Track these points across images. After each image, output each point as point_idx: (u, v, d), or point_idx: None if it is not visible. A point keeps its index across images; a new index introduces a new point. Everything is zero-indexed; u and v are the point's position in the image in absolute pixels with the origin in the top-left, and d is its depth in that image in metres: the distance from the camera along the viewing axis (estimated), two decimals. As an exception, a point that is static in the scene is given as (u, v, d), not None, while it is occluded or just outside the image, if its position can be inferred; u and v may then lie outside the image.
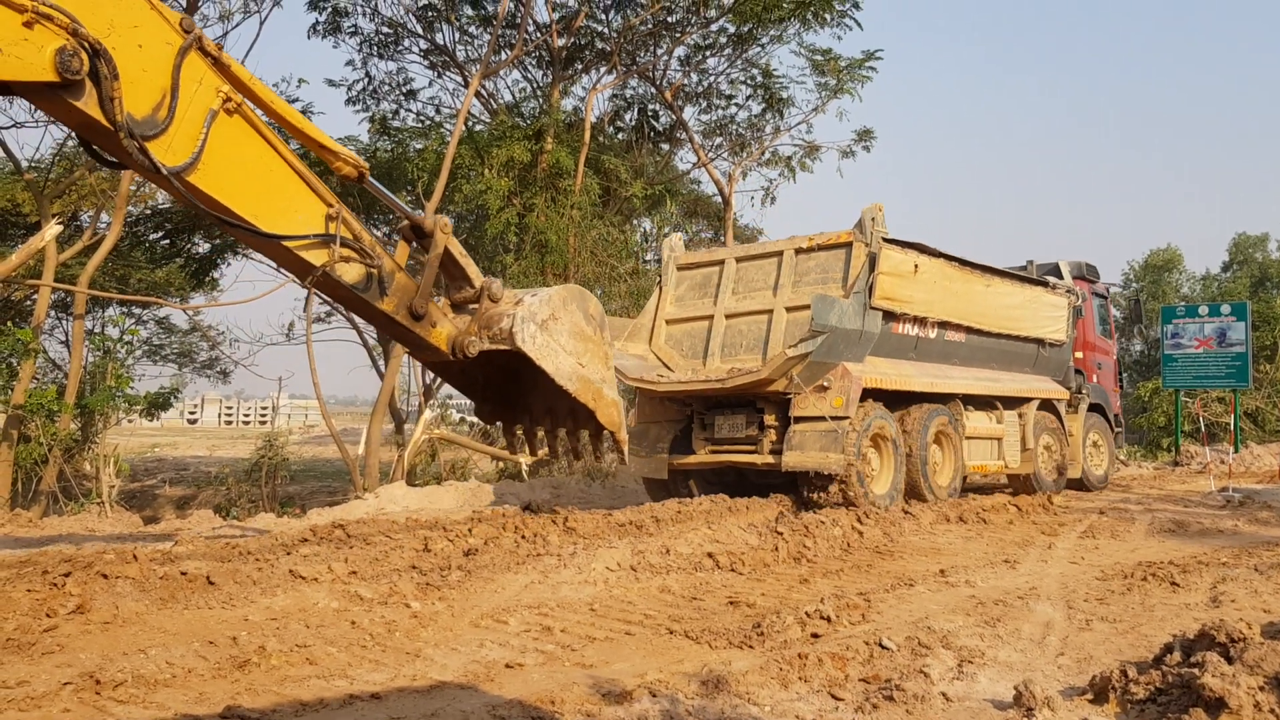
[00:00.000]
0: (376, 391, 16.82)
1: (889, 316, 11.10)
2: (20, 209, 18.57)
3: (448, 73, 20.81)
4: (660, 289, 12.59)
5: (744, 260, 12.10)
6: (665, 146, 23.57)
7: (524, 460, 15.69)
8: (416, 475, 15.32)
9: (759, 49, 20.72)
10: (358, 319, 24.04)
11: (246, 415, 66.07)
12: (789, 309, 11.22)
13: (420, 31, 20.05)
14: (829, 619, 5.53)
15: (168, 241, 21.68)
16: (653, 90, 21.52)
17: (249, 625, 5.47)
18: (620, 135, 22.31)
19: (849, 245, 11.07)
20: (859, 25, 19.99)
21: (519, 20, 19.03)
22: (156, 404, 15.00)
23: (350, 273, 5.03)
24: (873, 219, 10.97)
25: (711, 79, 21.62)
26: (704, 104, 22.15)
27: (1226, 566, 7.44)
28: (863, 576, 7.41)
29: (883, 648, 4.87)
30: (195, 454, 32.42)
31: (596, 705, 4.02)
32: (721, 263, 12.22)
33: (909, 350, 11.67)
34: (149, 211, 20.90)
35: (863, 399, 10.64)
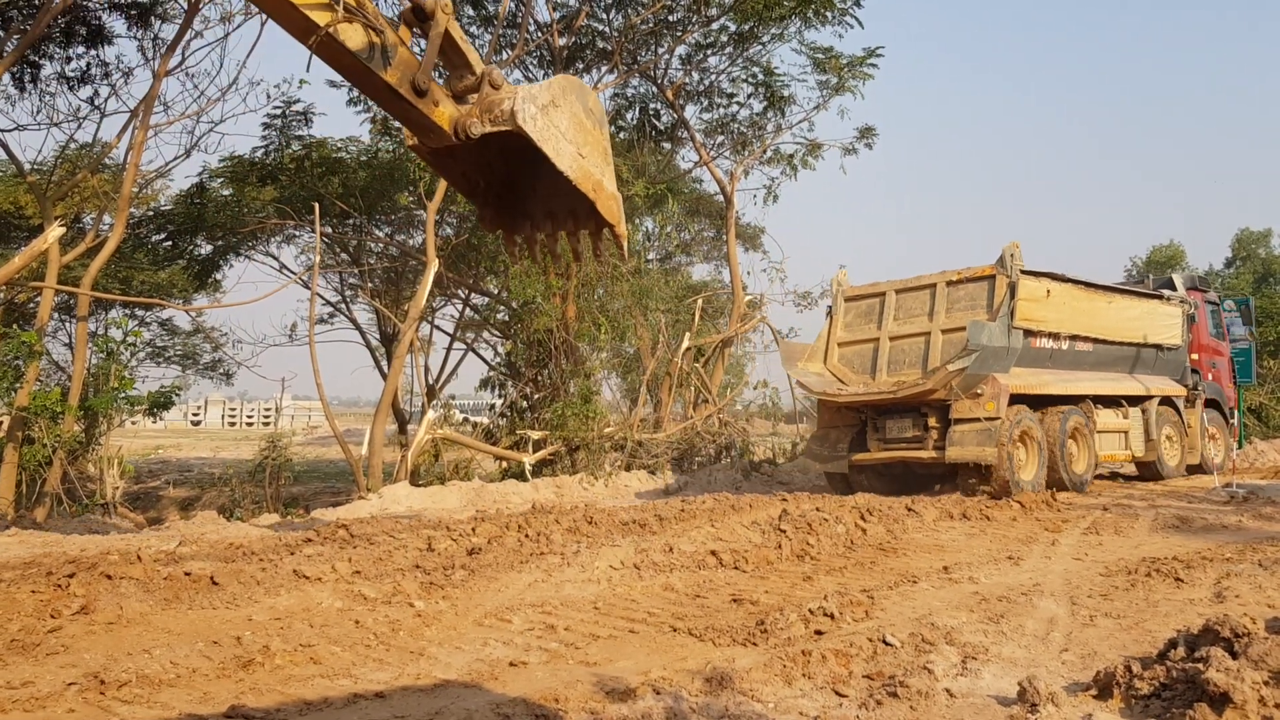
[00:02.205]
0: (379, 392, 16.84)
1: (1028, 334, 13.21)
2: (23, 211, 18.61)
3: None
4: (831, 317, 14.97)
5: (902, 291, 14.34)
6: (667, 145, 23.56)
7: (527, 460, 15.74)
8: (420, 475, 15.33)
9: (760, 47, 20.71)
10: (360, 320, 24.08)
11: (250, 416, 66.12)
12: (944, 331, 13.49)
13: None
14: (832, 616, 5.52)
15: (170, 243, 21.70)
16: (654, 89, 21.52)
17: (253, 625, 5.48)
18: (622, 134, 22.29)
19: (993, 277, 13.31)
20: (860, 23, 19.99)
21: (520, 20, 19.05)
22: (159, 404, 15.01)
23: (353, 37, 4.86)
24: (1011, 255, 13.15)
25: (713, 77, 21.63)
26: (705, 102, 22.15)
27: (1230, 562, 7.43)
28: (866, 573, 7.40)
29: (886, 644, 4.86)
30: (199, 455, 32.46)
31: (600, 703, 4.02)
32: (883, 294, 14.48)
33: (1046, 360, 13.75)
34: (151, 213, 20.94)
35: (1010, 403, 12.73)
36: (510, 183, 6.29)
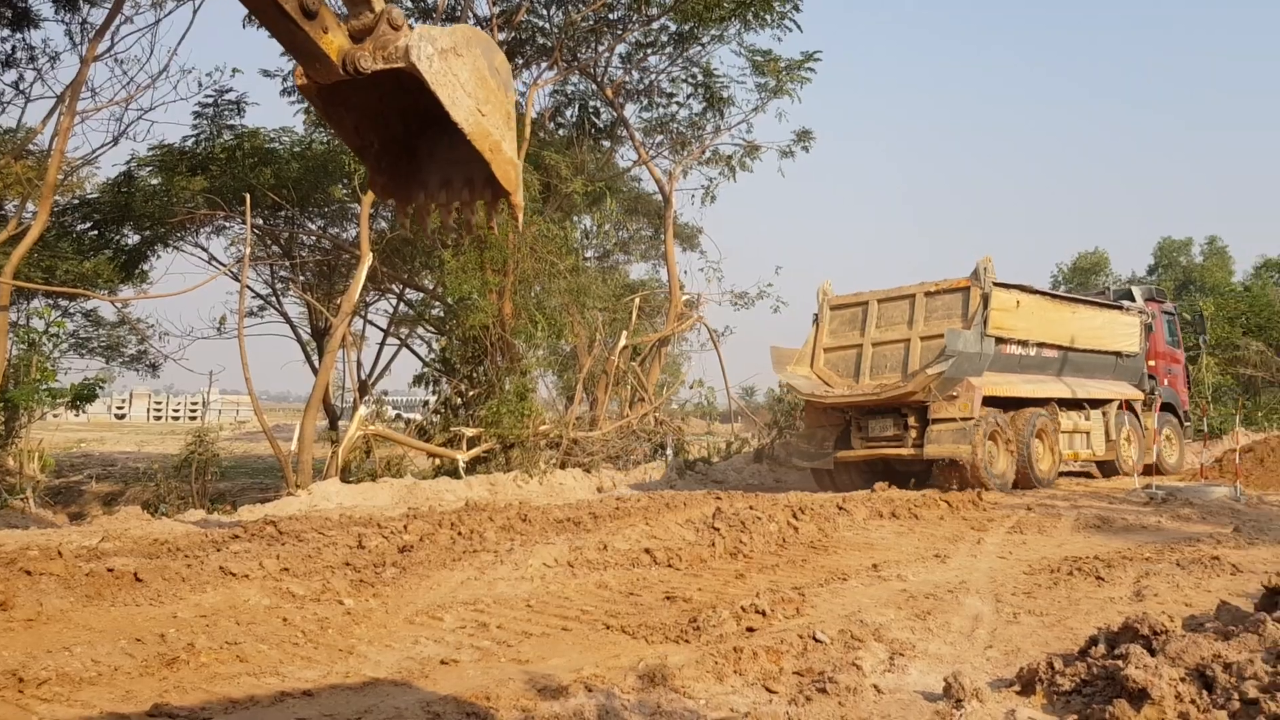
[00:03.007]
0: (310, 387, 16.60)
1: (999, 341, 14.36)
2: (-59, 197, 18.00)
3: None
4: (817, 324, 16.00)
5: (884, 300, 15.39)
6: (606, 144, 23.54)
7: (461, 457, 15.63)
8: (351, 472, 15.12)
9: (700, 48, 20.79)
10: (290, 313, 23.72)
11: (176, 411, 64.64)
12: (923, 338, 14.55)
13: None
14: (764, 613, 5.57)
15: (96, 232, 21.16)
16: (594, 87, 21.49)
17: (178, 622, 5.37)
18: (561, 131, 22.23)
19: (967, 289, 14.42)
20: (799, 27, 20.16)
21: (459, 14, 18.89)
22: (82, 396, 14.64)
23: None
24: (985, 269, 14.25)
25: (653, 77, 21.66)
26: (645, 102, 22.18)
27: (1150, 562, 7.63)
28: (798, 571, 7.47)
29: (816, 641, 4.92)
30: (123, 450, 31.69)
31: (532, 701, 4.01)
32: (866, 303, 15.52)
33: (1016, 366, 14.87)
34: (77, 202, 20.40)
35: (983, 405, 13.89)
36: (408, 148, 6.05)
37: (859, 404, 14.81)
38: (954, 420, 13.72)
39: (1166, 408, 18.04)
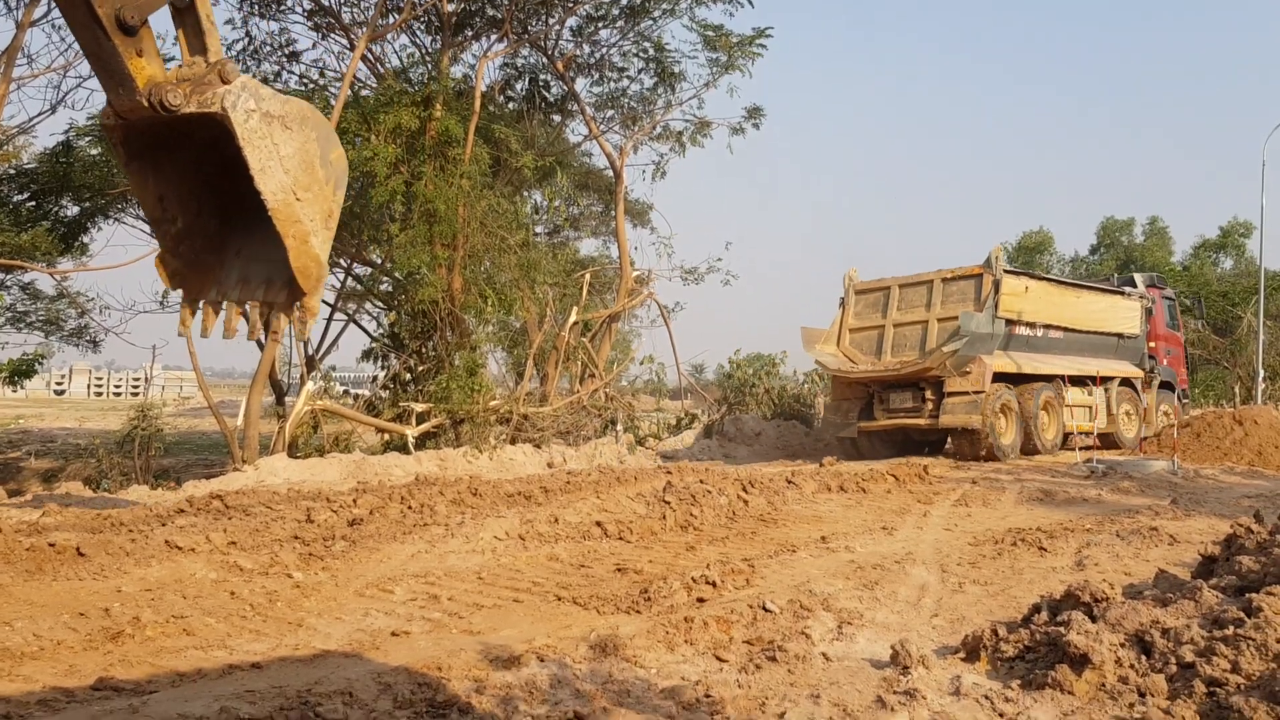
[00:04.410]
0: (255, 364, 16.35)
1: (1009, 322, 15.88)
2: None
3: (333, 35, 20.17)
4: (843, 307, 17.74)
5: (905, 286, 17.03)
6: (557, 118, 23.36)
7: (410, 432, 15.53)
8: (299, 447, 14.97)
9: (651, 22, 20.65)
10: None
11: (118, 386, 63.40)
12: (939, 319, 16.15)
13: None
14: (714, 584, 5.61)
15: (34, 203, 20.60)
16: (544, 60, 21.28)
17: (122, 596, 5.30)
18: (511, 105, 22.01)
19: (980, 275, 16.03)
20: (750, 3, 20.13)
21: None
22: (20, 372, 14.34)
23: None
24: (996, 258, 15.95)
25: (604, 51, 21.49)
26: (596, 76, 22.01)
27: (1090, 533, 7.80)
28: (747, 543, 7.54)
29: (766, 611, 4.97)
30: (63, 426, 31.06)
31: (484, 671, 4.01)
32: (888, 288, 17.20)
33: (1024, 345, 16.38)
34: (13, 171, 19.86)
35: (994, 380, 15.43)
36: (217, 242, 5.28)
37: (881, 378, 16.49)
38: (967, 393, 15.31)
39: (1165, 385, 19.70)
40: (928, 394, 15.99)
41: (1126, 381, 18.44)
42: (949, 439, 16.36)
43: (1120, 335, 18.33)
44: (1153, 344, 19.37)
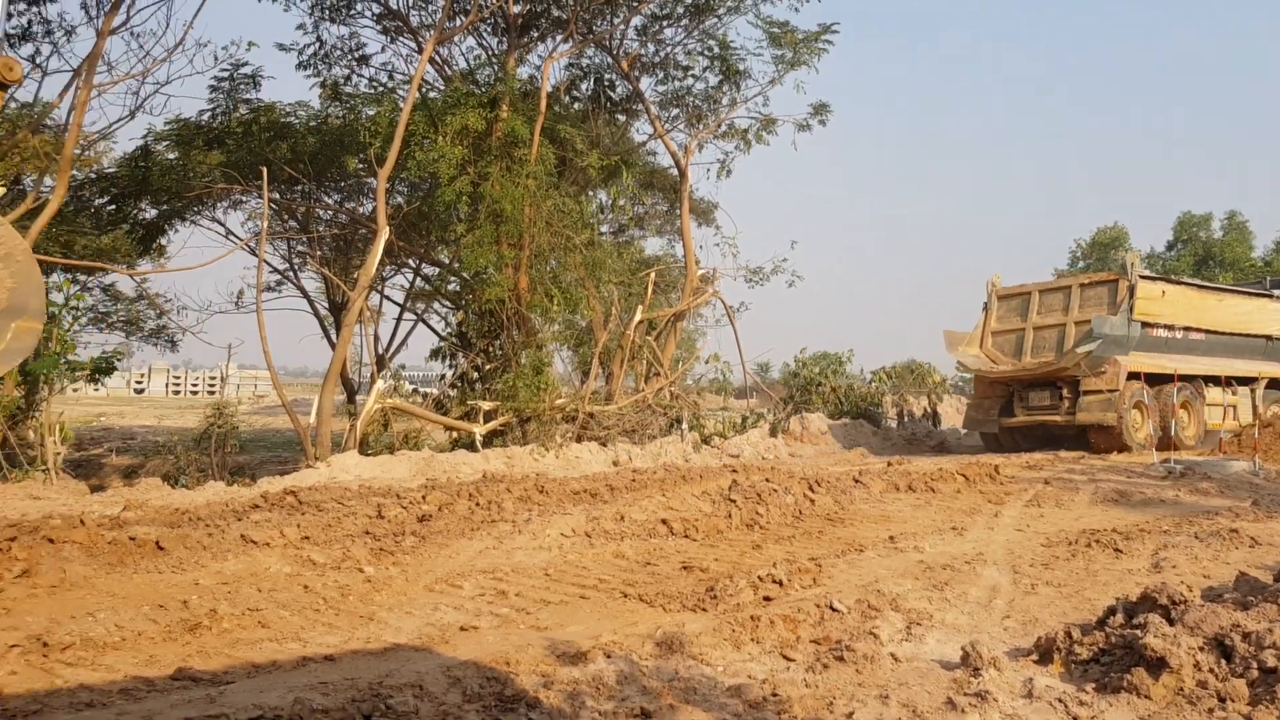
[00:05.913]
0: (327, 362, 16.62)
1: (1145, 325, 16.98)
2: (-40, 172, 18.05)
3: (401, 38, 20.48)
4: (986, 311, 19.04)
5: (1044, 291, 18.35)
6: (621, 117, 23.38)
7: (477, 430, 15.67)
8: (369, 445, 15.19)
9: (716, 20, 20.59)
10: (308, 288, 23.77)
11: (195, 385, 64.86)
12: (1076, 323, 17.32)
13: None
14: (781, 583, 5.59)
15: (114, 207, 21.18)
16: (609, 60, 21.33)
17: (199, 589, 5.42)
18: (576, 105, 22.08)
19: (1116, 281, 17.18)
20: (816, -2, 19.93)
21: (474, -12, 18.76)
22: (101, 369, 14.71)
23: None
24: (1132, 264, 16.98)
25: (668, 49, 21.48)
26: (661, 74, 21.98)
27: (1167, 534, 7.62)
28: (814, 542, 7.49)
29: (833, 610, 4.93)
30: (142, 423, 31.86)
31: (552, 666, 4.04)
32: (1029, 293, 18.48)
33: (1162, 347, 17.42)
34: (94, 176, 20.41)
35: (1128, 379, 16.58)
36: None
37: (1021, 377, 17.70)
38: (1102, 392, 16.44)
39: None
40: (1064, 392, 17.07)
41: (1275, 382, 19.24)
42: (1085, 434, 17.12)
43: (1269, 337, 19.13)
44: None
